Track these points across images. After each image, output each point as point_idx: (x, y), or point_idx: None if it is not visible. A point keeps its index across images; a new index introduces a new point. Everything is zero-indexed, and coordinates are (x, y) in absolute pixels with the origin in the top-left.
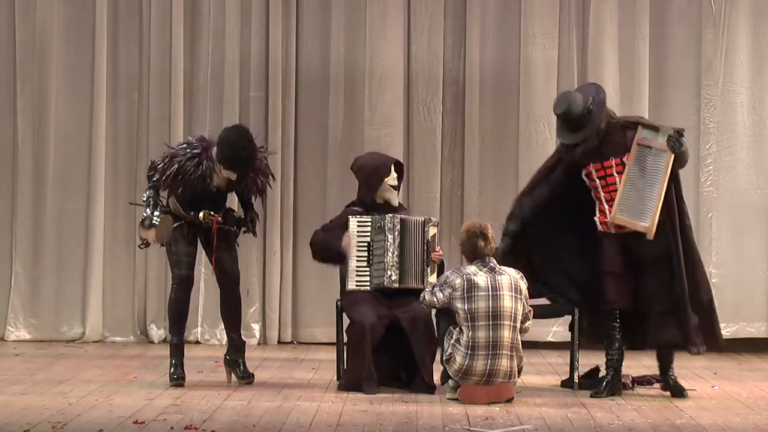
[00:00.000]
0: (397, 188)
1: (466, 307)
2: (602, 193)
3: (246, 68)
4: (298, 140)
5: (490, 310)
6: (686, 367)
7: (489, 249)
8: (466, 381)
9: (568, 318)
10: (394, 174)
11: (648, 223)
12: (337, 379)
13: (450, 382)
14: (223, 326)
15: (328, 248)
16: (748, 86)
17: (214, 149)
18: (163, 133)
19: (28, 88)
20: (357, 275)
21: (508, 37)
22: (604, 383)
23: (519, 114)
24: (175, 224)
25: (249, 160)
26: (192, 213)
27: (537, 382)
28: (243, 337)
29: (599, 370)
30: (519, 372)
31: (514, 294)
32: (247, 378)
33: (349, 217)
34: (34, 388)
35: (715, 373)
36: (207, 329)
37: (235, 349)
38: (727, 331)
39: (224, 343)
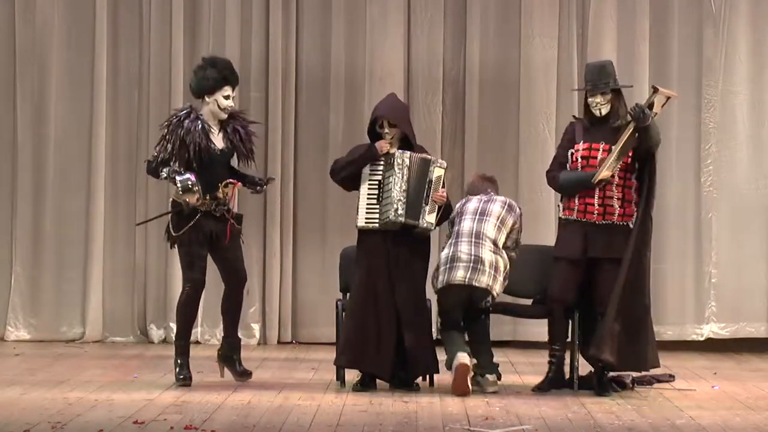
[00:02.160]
0: (391, 142)
1: (456, 208)
2: None
3: (246, 68)
4: (298, 140)
5: (479, 209)
6: (686, 367)
7: (488, 188)
8: (453, 270)
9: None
10: (387, 129)
11: (595, 173)
12: (337, 380)
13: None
14: (221, 326)
15: (356, 152)
16: (748, 86)
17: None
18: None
19: (28, 88)
20: (367, 212)
21: (508, 37)
22: (547, 379)
23: (519, 114)
24: (191, 223)
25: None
26: (207, 197)
27: (537, 382)
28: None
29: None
30: (505, 278)
31: (504, 206)
32: (245, 375)
33: None
34: (34, 388)
35: (715, 373)
36: (207, 329)
37: (231, 346)
38: (726, 331)
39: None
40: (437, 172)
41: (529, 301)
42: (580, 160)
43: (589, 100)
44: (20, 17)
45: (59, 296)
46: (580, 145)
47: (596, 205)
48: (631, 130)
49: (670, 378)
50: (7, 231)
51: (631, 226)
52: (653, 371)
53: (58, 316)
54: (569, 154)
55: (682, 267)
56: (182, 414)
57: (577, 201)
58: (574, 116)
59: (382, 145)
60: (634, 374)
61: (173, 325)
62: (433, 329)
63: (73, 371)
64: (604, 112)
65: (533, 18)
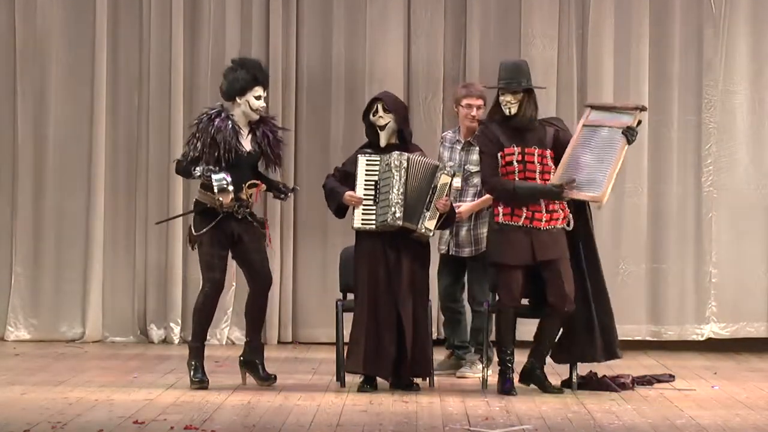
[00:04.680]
0: (383, 128)
1: None
2: (516, 179)
3: None
4: (298, 140)
5: None
6: (686, 367)
7: None
8: None
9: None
10: (381, 113)
11: (599, 192)
12: (337, 380)
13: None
14: (223, 326)
15: (332, 197)
16: (748, 86)
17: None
18: (163, 133)
19: (28, 88)
20: (363, 213)
21: (508, 37)
22: (510, 380)
23: None
24: (212, 223)
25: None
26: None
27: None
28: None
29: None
30: None
31: None
32: (269, 380)
33: (359, 155)
34: (34, 388)
35: (715, 373)
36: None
37: (255, 350)
38: (727, 331)
39: (224, 343)
40: (443, 180)
41: (526, 301)
42: (516, 164)
43: (501, 98)
44: (20, 17)
45: (59, 296)
46: (514, 149)
47: (543, 212)
48: (624, 151)
49: (670, 378)
50: (7, 231)
51: (569, 228)
52: (653, 372)
53: (58, 316)
54: (499, 157)
55: (682, 267)
56: (182, 414)
57: (525, 209)
58: (479, 121)
59: (350, 199)
60: (634, 374)
61: (173, 326)
62: (433, 329)
63: (73, 371)
64: (513, 111)
65: (533, 18)
